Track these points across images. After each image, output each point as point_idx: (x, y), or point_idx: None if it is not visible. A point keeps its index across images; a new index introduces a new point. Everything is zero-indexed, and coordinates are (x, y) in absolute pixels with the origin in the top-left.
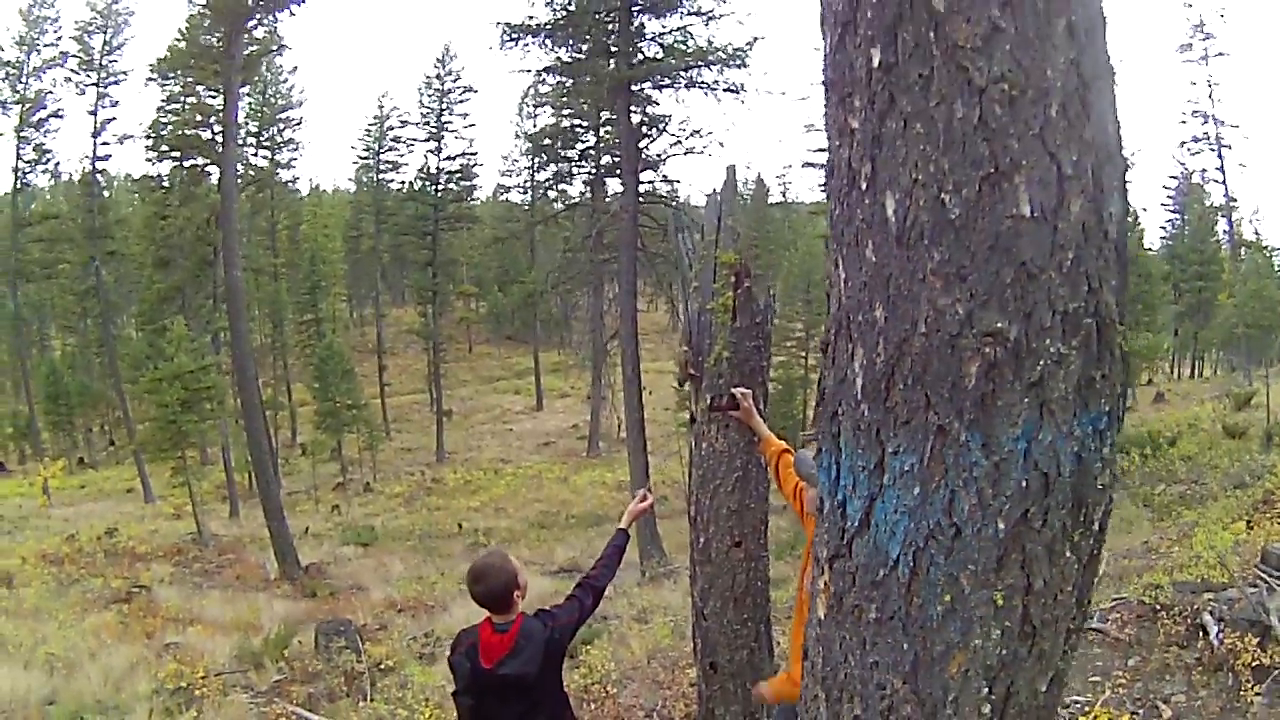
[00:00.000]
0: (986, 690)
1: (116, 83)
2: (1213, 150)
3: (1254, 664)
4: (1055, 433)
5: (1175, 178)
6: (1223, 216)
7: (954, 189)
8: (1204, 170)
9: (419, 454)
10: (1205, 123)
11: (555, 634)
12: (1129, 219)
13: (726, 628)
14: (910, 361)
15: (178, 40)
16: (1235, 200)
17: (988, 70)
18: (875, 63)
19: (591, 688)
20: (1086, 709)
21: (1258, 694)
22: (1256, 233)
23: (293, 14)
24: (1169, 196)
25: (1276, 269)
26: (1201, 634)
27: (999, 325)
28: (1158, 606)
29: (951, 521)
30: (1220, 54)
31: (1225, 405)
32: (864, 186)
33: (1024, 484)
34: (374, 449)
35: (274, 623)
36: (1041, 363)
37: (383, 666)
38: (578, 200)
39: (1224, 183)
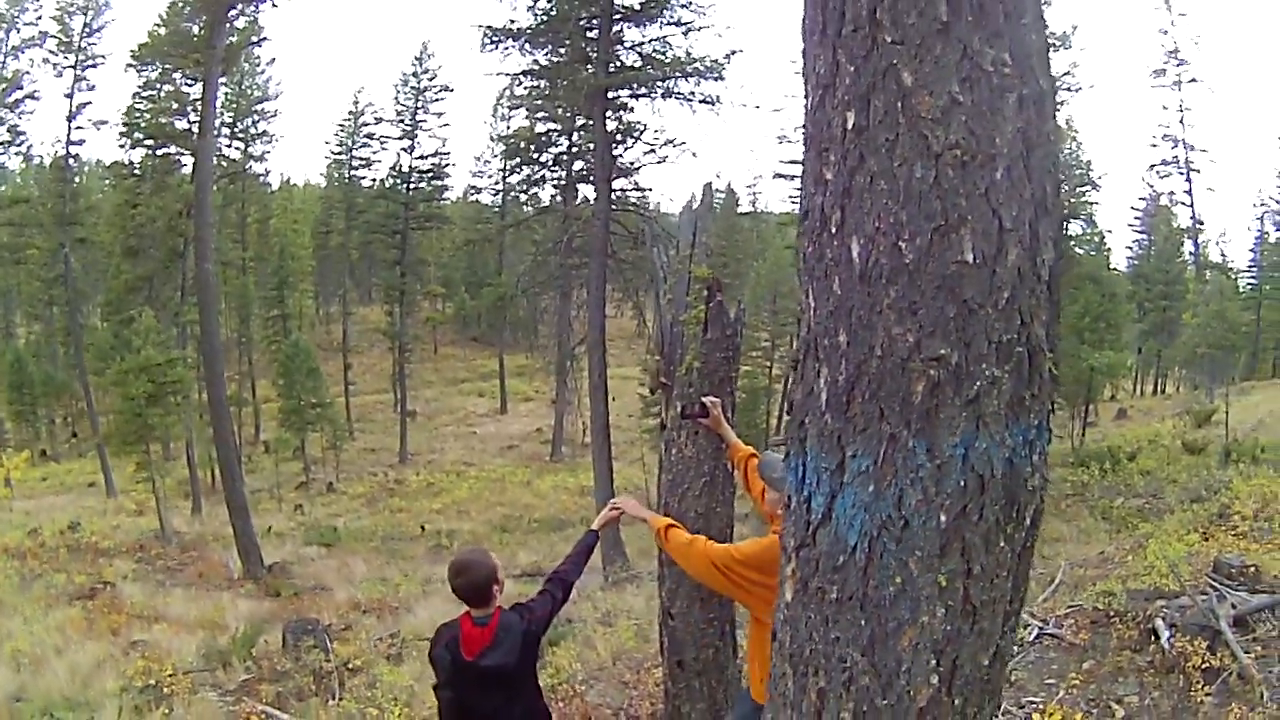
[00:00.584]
0: (934, 662)
1: (94, 66)
2: (1181, 174)
3: (1204, 666)
4: (989, 441)
5: (1143, 199)
6: (1189, 238)
7: (909, 237)
8: (1172, 193)
9: (382, 454)
10: (1175, 147)
11: (532, 626)
12: (1098, 239)
13: (693, 627)
14: (868, 380)
15: (158, 26)
16: (1202, 223)
17: (945, 138)
18: (850, 125)
19: (559, 688)
20: (1042, 708)
21: (1208, 694)
22: (1222, 254)
23: (275, 5)
24: (1136, 218)
25: (1240, 291)
26: (1153, 639)
27: (943, 352)
28: (1111, 613)
29: (901, 514)
30: (1193, 80)
31: (1186, 422)
32: (834, 230)
33: (962, 484)
34: (337, 448)
35: (239, 622)
36: (978, 383)
37: (351, 666)
38: (549, 205)
39: (1191, 205)
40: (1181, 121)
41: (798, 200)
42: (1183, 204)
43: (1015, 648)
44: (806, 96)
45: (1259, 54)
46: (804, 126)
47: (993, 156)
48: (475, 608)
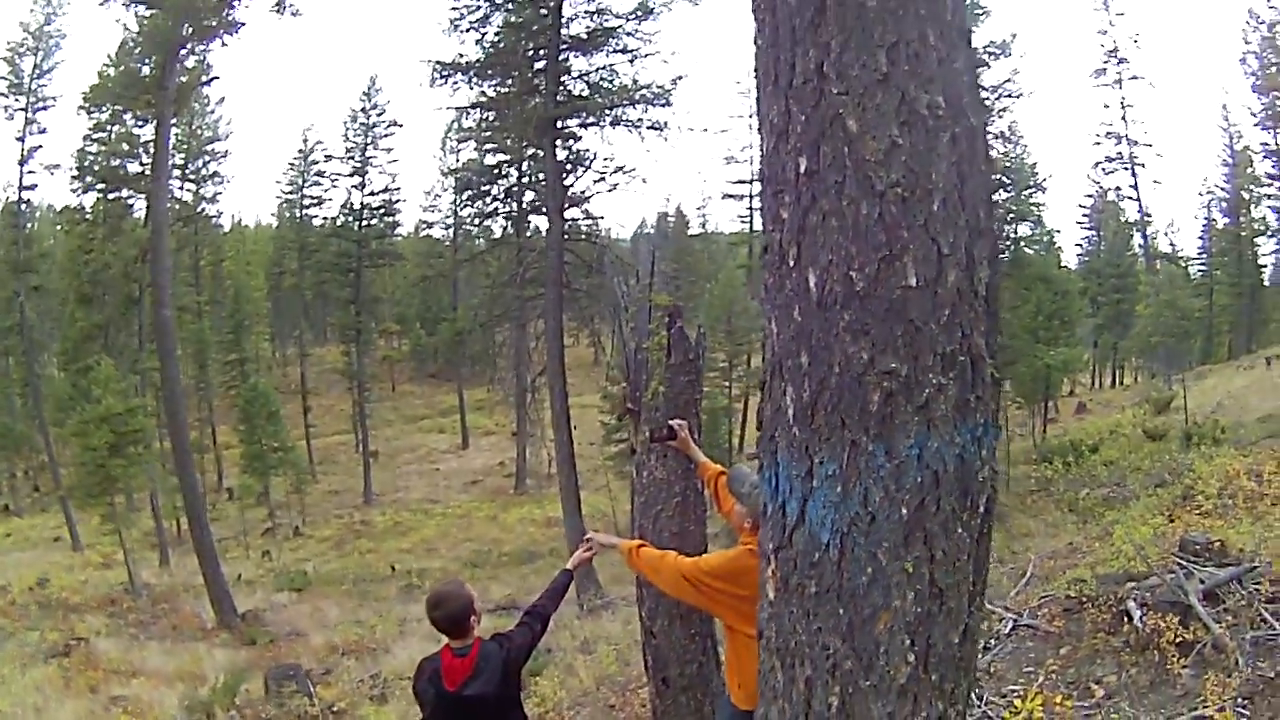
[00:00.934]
0: (909, 643)
1: (45, 108)
2: (1126, 169)
3: (1178, 640)
4: (940, 441)
5: (1090, 196)
6: (1138, 231)
7: (859, 267)
8: (1118, 188)
9: (346, 496)
10: (1119, 143)
11: (511, 654)
12: (1048, 239)
13: (675, 644)
14: (829, 394)
15: (107, 67)
16: (1150, 215)
17: (887, 177)
18: (802, 169)
19: (545, 716)
20: (1022, 694)
21: (1184, 666)
22: (1172, 244)
23: (224, 44)
24: (1085, 214)
25: (1190, 279)
26: (1126, 619)
27: (894, 365)
28: (1084, 599)
29: (867, 511)
30: (1134, 77)
31: (1145, 410)
32: (791, 263)
33: (919, 480)
34: (301, 492)
35: (218, 672)
36: (927, 391)
37: (335, 709)
38: (501, 237)
39: (1138, 199)
40: (1124, 118)
41: (747, 220)
42: (1130, 198)
43: (992, 641)
44: (762, 141)
45: (1197, 44)
46: (760, 169)
47: (930, 191)
48: (454, 639)
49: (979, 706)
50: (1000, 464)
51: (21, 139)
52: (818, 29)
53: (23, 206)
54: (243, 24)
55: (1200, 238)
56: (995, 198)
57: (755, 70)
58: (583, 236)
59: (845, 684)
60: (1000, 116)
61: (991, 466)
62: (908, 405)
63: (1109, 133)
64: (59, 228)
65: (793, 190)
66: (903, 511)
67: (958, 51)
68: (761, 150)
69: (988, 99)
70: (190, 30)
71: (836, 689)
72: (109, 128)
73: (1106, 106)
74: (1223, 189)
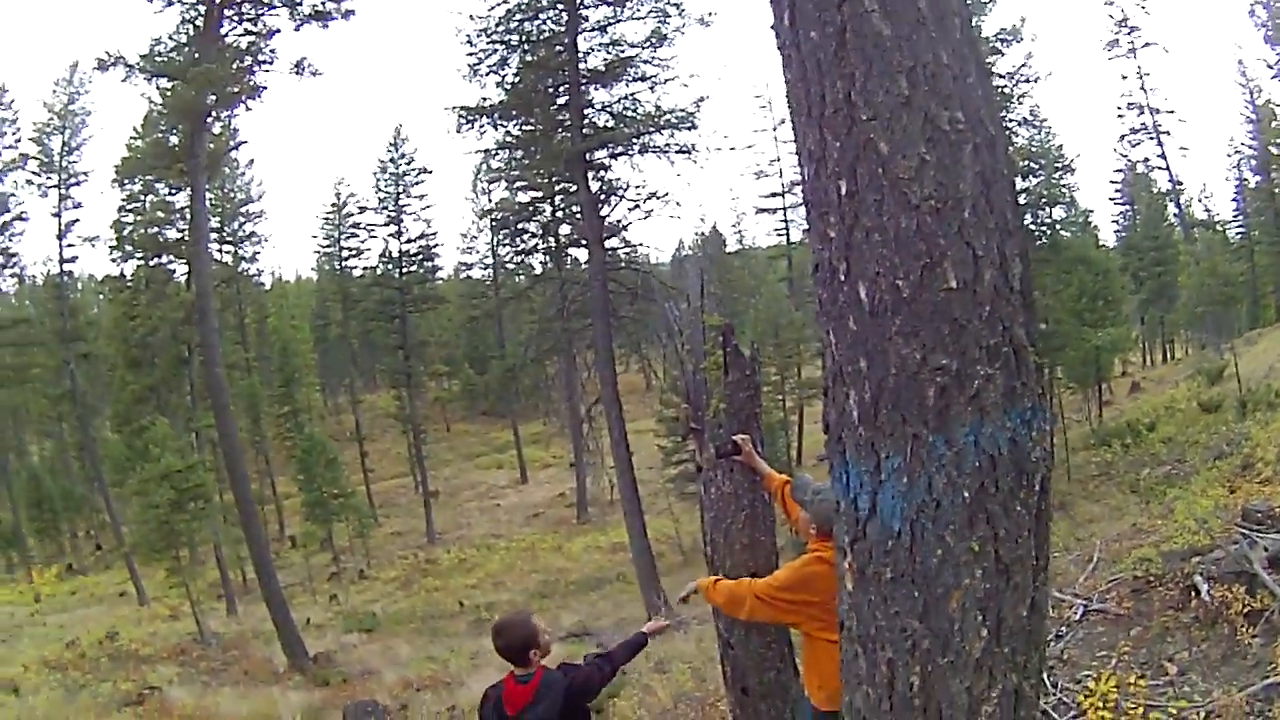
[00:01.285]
0: (981, 618)
1: (78, 183)
2: (1152, 139)
3: (1246, 610)
4: (993, 427)
5: (1120, 171)
6: (1171, 201)
7: (904, 275)
8: (1147, 159)
9: (409, 536)
10: (1141, 114)
11: (575, 683)
12: (1083, 220)
13: (752, 653)
14: (888, 394)
15: (134, 138)
16: (1181, 184)
17: (920, 192)
18: (843, 191)
19: None
20: (1097, 676)
21: (1254, 636)
22: (1207, 210)
23: (249, 109)
24: (1117, 190)
25: (1230, 243)
26: (1194, 594)
27: (944, 362)
28: (1150, 578)
29: (933, 498)
30: (1147, 44)
31: (1199, 383)
32: (842, 278)
33: (977, 464)
34: (364, 536)
35: (292, 713)
36: (976, 382)
37: None
38: (542, 273)
39: (1168, 168)
40: (1143, 87)
41: (783, 233)
42: (1159, 168)
43: (1064, 628)
44: (801, 168)
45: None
46: (803, 193)
47: (960, 200)
48: (517, 666)
49: (1054, 694)
50: (1059, 451)
51: (58, 214)
52: (841, 61)
53: (65, 278)
54: (265, 88)
55: (1234, 199)
56: (1025, 186)
57: (788, 101)
58: (623, 265)
59: (924, 663)
60: (1020, 102)
61: (1043, 446)
62: (960, 397)
63: (1130, 104)
64: (102, 296)
65: (836, 211)
66: (965, 495)
67: (969, 66)
68: (802, 177)
69: (1004, 86)
70: (214, 99)
71: (917, 669)
72: (143, 197)
73: (1124, 77)
74: (1250, 146)
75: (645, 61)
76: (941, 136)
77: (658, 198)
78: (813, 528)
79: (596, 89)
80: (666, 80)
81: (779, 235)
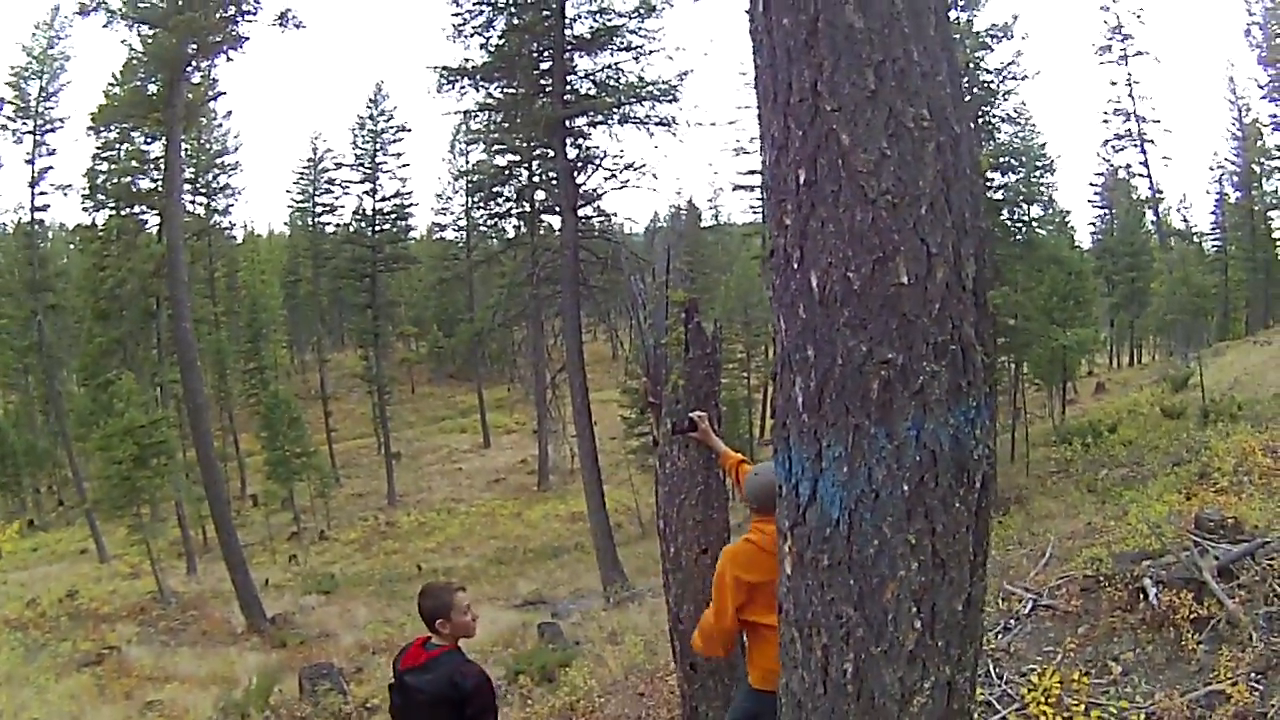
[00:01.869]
0: (915, 609)
1: (53, 130)
2: (1136, 146)
3: (1193, 617)
4: (935, 423)
5: (1101, 175)
6: (1149, 208)
7: (856, 268)
8: (1129, 165)
9: (370, 498)
10: (1127, 120)
11: (463, 680)
12: (1059, 220)
13: None
14: (833, 383)
15: (112, 85)
16: (1161, 192)
17: (878, 186)
18: (802, 180)
19: (577, 704)
20: (1040, 672)
21: (1199, 642)
22: (1185, 220)
23: (230, 59)
24: (1096, 193)
25: (1205, 255)
26: (1142, 597)
27: (890, 356)
28: (1100, 578)
29: (872, 488)
30: (1139, 53)
31: (1163, 389)
32: (795, 266)
33: (918, 459)
34: (326, 496)
35: (249, 674)
36: (921, 378)
37: (369, 705)
38: (515, 237)
39: (1149, 176)
40: (1131, 95)
41: (759, 211)
42: (1140, 175)
43: (1013, 621)
44: (763, 154)
45: (1201, 17)
46: (764, 178)
47: (918, 197)
48: (431, 633)
49: (999, 685)
50: (1019, 445)
51: (31, 161)
52: (810, 50)
53: (36, 227)
54: (247, 39)
55: (1213, 213)
56: (1004, 183)
57: (755, 87)
58: (596, 234)
59: (859, 651)
60: (1006, 99)
61: (986, 445)
62: (904, 391)
63: (1117, 110)
64: (72, 246)
65: (794, 199)
66: (904, 488)
67: (941, 65)
68: (763, 163)
69: (991, 82)
70: (195, 48)
71: (850, 656)
72: (118, 146)
73: (1113, 84)
74: (1233, 163)
75: (632, 31)
76: (905, 133)
77: (635, 168)
78: (750, 506)
79: (581, 56)
80: (651, 52)
81: (755, 213)
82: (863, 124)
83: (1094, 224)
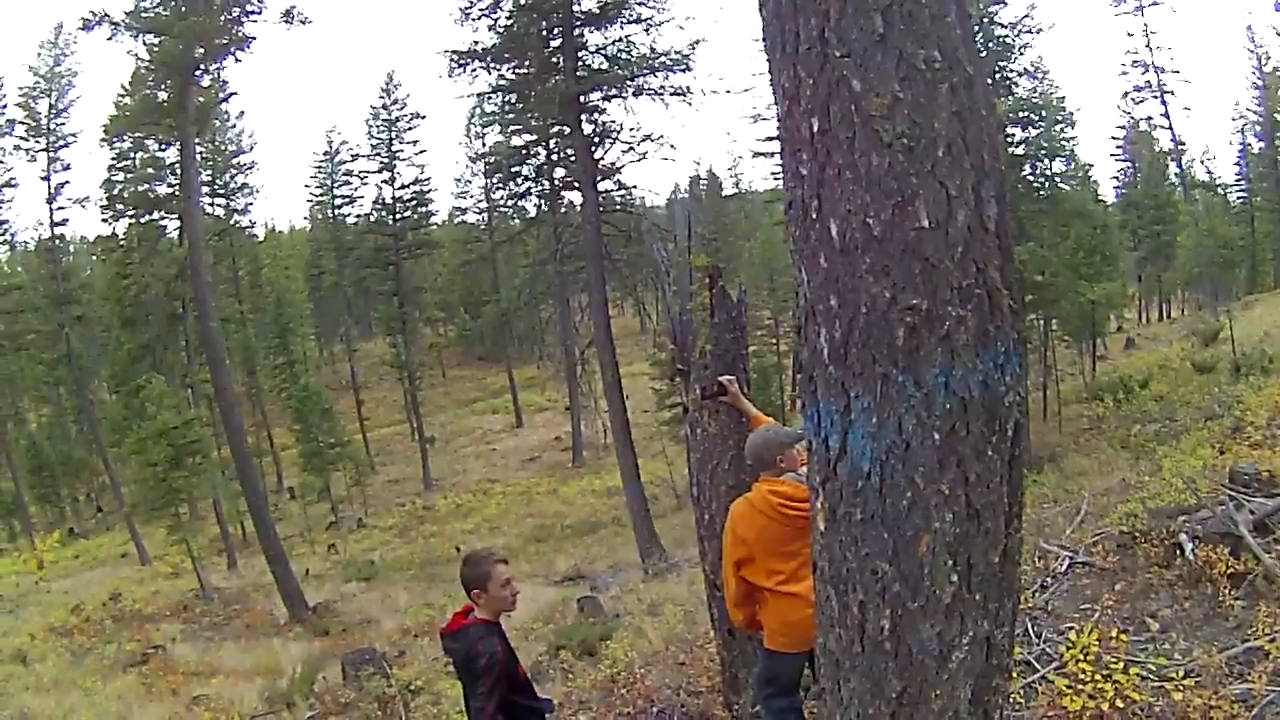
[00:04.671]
0: (951, 562)
1: (66, 145)
2: (1156, 97)
3: (1229, 572)
4: (964, 369)
5: (1122, 128)
6: (1172, 160)
7: (875, 214)
8: (1149, 118)
9: (406, 484)
10: (1146, 72)
11: (474, 663)
12: (1082, 174)
13: None
14: (858, 333)
15: (122, 96)
16: (1184, 144)
17: (893, 130)
18: (815, 128)
19: (618, 676)
20: (1079, 629)
21: (1236, 598)
22: (1209, 172)
23: (238, 60)
24: (1118, 147)
25: (1231, 206)
26: (1179, 553)
27: (914, 302)
28: (1136, 534)
29: (902, 439)
30: (1155, 3)
31: (1193, 343)
32: (814, 216)
33: (948, 406)
34: (362, 484)
35: (293, 664)
36: (947, 323)
37: (413, 688)
38: (536, 216)
39: (1170, 128)
40: (1149, 46)
41: (779, 177)
42: (1162, 127)
43: (1049, 579)
44: (777, 104)
45: None
46: (778, 130)
47: (934, 139)
48: (470, 602)
49: (1038, 644)
50: (1052, 403)
51: (47, 178)
52: None
53: (56, 242)
54: (253, 39)
55: (1237, 164)
56: (1025, 137)
57: (763, 38)
58: (618, 207)
59: (895, 606)
60: (1022, 53)
61: (1017, 392)
62: (931, 337)
63: (1135, 61)
64: (95, 257)
65: (809, 149)
66: (935, 437)
67: (949, 5)
68: (777, 114)
69: (1006, 36)
70: (202, 52)
71: (887, 612)
72: (133, 154)
73: (1130, 35)
74: (1255, 112)
75: (640, 3)
76: (917, 75)
77: (652, 140)
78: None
79: (590, 31)
80: (661, 23)
81: (775, 179)
82: (873, 68)
83: (1117, 178)
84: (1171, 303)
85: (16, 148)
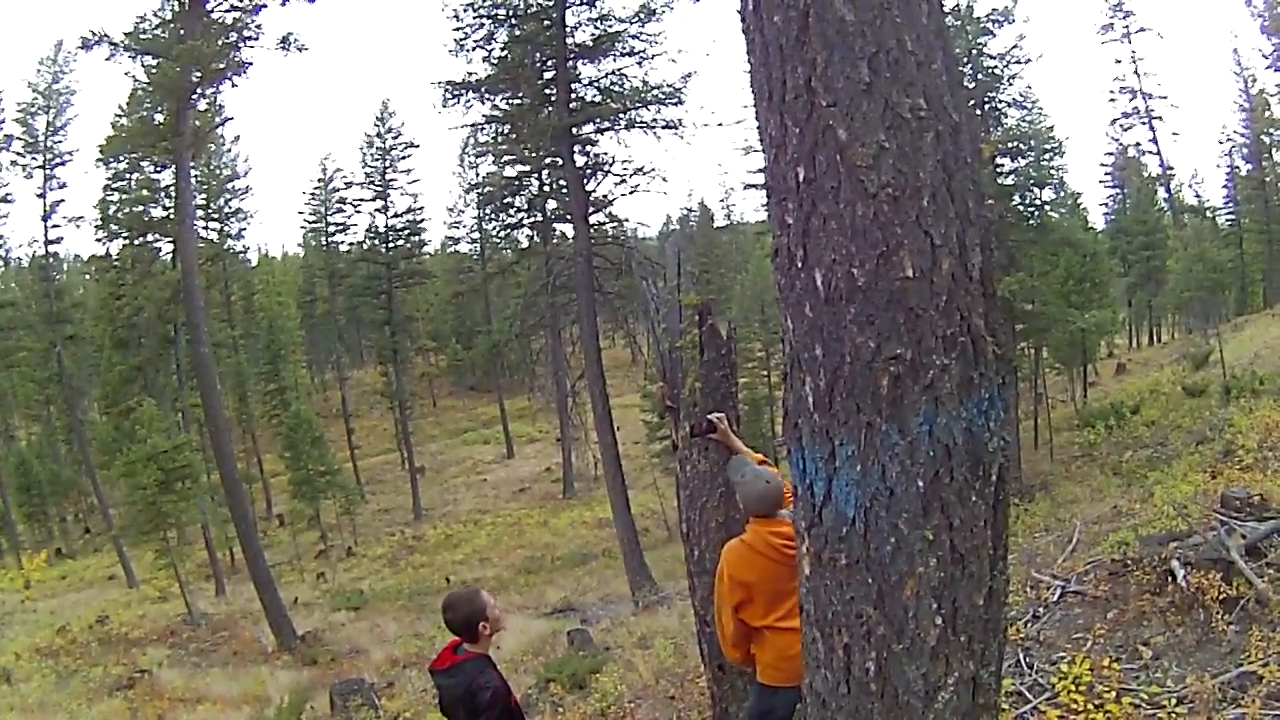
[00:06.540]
0: (935, 606)
1: (63, 163)
2: (1144, 123)
3: (1221, 597)
4: (948, 417)
5: (1111, 154)
6: (1161, 186)
7: (860, 264)
8: (1138, 144)
9: (396, 513)
10: (1134, 98)
11: (478, 698)
12: (1071, 202)
13: None
14: (843, 381)
15: (119, 116)
16: (1172, 169)
17: (878, 180)
18: (801, 177)
19: (608, 710)
20: (1071, 659)
21: (1229, 623)
22: (1197, 196)
23: (234, 85)
24: (1107, 173)
25: (1219, 229)
26: (1171, 579)
27: (899, 351)
28: (1128, 561)
29: (886, 485)
30: (1141, 29)
31: (1184, 367)
32: (799, 265)
33: (931, 453)
34: (352, 513)
35: (281, 692)
36: (931, 372)
37: (400, 719)
38: (528, 247)
39: (1159, 153)
40: (1136, 72)
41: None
42: (1150, 153)
43: (1041, 609)
44: (764, 152)
45: None
46: (765, 179)
47: (919, 188)
48: (466, 640)
49: (1029, 674)
50: (1043, 431)
51: (42, 195)
52: (803, 46)
53: (50, 260)
54: (250, 64)
55: (1225, 187)
56: (1014, 167)
57: (751, 86)
58: (609, 240)
59: (880, 649)
60: (1011, 83)
61: (1001, 437)
62: (915, 386)
63: (1123, 88)
64: (88, 276)
65: (794, 197)
66: (919, 484)
67: (935, 53)
68: (765, 163)
69: (995, 67)
70: (199, 76)
71: (873, 654)
72: (128, 176)
73: (1118, 62)
74: (1242, 135)
75: (633, 36)
76: (902, 124)
77: (644, 173)
78: (741, 509)
79: (584, 64)
80: (654, 56)
81: (768, 210)
82: (859, 117)
83: (1106, 204)
84: (1162, 327)
85: (13, 163)
